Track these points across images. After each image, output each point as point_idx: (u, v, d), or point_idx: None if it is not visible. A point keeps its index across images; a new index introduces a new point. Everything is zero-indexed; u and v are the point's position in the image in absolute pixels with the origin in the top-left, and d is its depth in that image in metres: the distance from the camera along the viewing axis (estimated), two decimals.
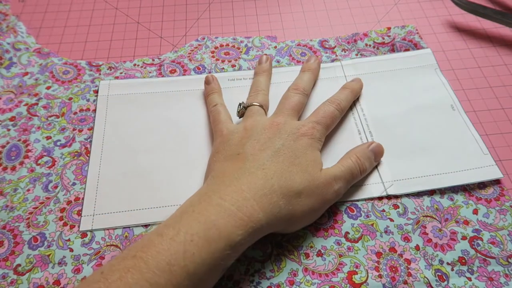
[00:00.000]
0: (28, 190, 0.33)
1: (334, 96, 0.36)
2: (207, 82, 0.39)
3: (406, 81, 0.39)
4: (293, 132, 0.31)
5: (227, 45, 0.43)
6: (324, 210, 0.31)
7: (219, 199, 0.26)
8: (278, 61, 0.42)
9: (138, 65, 0.42)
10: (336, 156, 0.34)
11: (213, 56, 0.42)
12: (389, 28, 0.44)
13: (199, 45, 0.43)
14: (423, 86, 0.39)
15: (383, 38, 0.43)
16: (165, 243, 0.23)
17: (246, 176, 0.28)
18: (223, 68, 0.41)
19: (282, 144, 0.30)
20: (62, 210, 0.32)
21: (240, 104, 0.35)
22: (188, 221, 0.25)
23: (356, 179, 0.32)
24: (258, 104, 0.35)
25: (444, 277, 0.29)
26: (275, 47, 0.43)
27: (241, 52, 0.43)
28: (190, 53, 0.43)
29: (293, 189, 0.28)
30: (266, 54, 0.41)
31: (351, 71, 0.41)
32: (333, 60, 0.41)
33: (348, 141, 0.36)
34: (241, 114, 0.35)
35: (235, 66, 0.41)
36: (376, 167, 0.34)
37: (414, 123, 0.36)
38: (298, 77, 0.38)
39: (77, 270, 0.29)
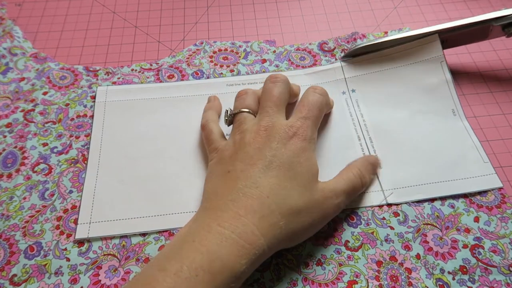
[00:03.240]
0: (24, 198, 0.33)
1: (314, 85, 0.34)
2: (208, 100, 0.38)
3: (408, 82, 0.38)
4: (282, 136, 0.29)
5: (226, 49, 0.43)
6: (324, 224, 0.30)
7: (218, 226, 0.25)
8: (277, 66, 0.41)
9: (135, 70, 0.41)
10: (336, 164, 0.34)
11: (211, 61, 0.42)
12: (386, 33, 0.44)
13: (197, 49, 0.43)
14: (426, 86, 0.38)
15: None
16: (169, 280, 0.22)
17: (241, 197, 0.26)
18: (221, 73, 0.41)
19: (273, 155, 0.28)
20: (59, 218, 0.32)
21: (226, 111, 0.33)
22: (190, 252, 0.24)
23: (357, 192, 0.32)
24: (245, 110, 0.32)
25: (445, 287, 0.29)
26: (274, 51, 0.43)
27: (239, 57, 0.42)
28: (188, 58, 0.42)
29: (292, 207, 0.27)
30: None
31: (351, 71, 0.40)
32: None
33: (348, 148, 0.35)
34: (229, 122, 0.33)
35: (233, 71, 0.41)
36: (376, 174, 0.34)
37: (415, 129, 0.36)
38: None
39: (74, 281, 0.29)
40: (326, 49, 0.43)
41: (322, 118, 0.35)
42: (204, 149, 0.35)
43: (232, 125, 0.33)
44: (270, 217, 0.26)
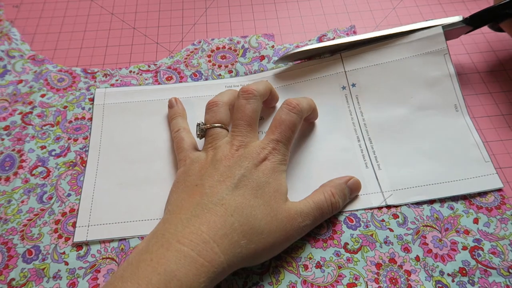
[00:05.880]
0: (23, 201, 0.33)
1: (292, 99, 0.32)
2: (170, 105, 0.37)
3: (410, 75, 0.37)
4: (253, 157, 0.29)
5: (224, 47, 0.43)
6: (287, 245, 0.29)
7: (177, 243, 0.24)
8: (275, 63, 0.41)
9: (134, 72, 0.41)
10: (334, 166, 0.34)
11: (209, 61, 0.42)
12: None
13: (195, 49, 0.43)
14: (428, 80, 0.37)
15: None
16: None
17: (205, 213, 0.26)
18: (219, 75, 0.41)
19: (242, 174, 0.28)
20: (57, 222, 0.32)
21: (198, 125, 0.33)
22: (147, 272, 0.23)
23: (325, 217, 0.31)
24: (217, 124, 0.32)
25: None
26: (273, 46, 0.42)
27: (237, 54, 0.42)
28: (186, 58, 0.42)
29: (254, 226, 0.27)
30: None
31: (352, 64, 0.38)
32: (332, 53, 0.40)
33: (347, 149, 0.35)
34: (201, 136, 0.32)
35: (232, 72, 0.41)
36: (375, 175, 0.34)
37: (415, 128, 0.35)
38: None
39: (72, 284, 0.29)
40: (325, 40, 0.42)
41: (317, 118, 0.36)
42: None
43: (204, 138, 0.33)
44: (232, 235, 0.26)
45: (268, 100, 0.36)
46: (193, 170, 0.30)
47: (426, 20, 0.38)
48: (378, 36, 0.38)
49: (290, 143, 0.31)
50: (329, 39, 0.42)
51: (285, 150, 0.31)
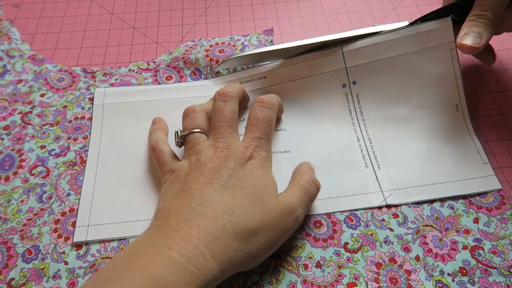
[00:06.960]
0: (22, 201, 0.33)
1: (260, 96, 0.32)
2: (153, 123, 0.37)
3: (413, 72, 0.36)
4: (238, 157, 0.28)
5: (223, 43, 0.43)
6: (283, 241, 0.28)
7: (166, 249, 0.23)
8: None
9: (133, 71, 0.41)
10: (335, 165, 0.34)
11: (207, 56, 0.41)
12: None
13: (195, 45, 0.43)
14: (431, 77, 0.36)
15: None
16: None
17: (194, 216, 0.25)
18: (218, 72, 0.40)
19: (229, 175, 0.27)
20: (57, 221, 0.32)
21: (176, 133, 0.32)
22: (133, 276, 0.22)
23: (313, 198, 0.31)
24: (197, 130, 0.31)
25: None
26: (271, 41, 0.42)
27: (236, 49, 0.42)
28: (184, 54, 0.42)
29: (247, 226, 0.26)
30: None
31: (353, 60, 0.37)
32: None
33: (347, 149, 0.35)
34: (180, 144, 0.32)
35: (229, 68, 0.40)
36: (375, 175, 0.34)
37: (416, 127, 0.35)
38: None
39: (72, 284, 0.29)
40: None
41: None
42: None
43: (184, 147, 0.32)
44: (224, 238, 0.25)
45: (240, 102, 0.35)
46: (178, 178, 0.29)
47: (373, 26, 0.37)
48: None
49: (271, 139, 0.31)
50: None
51: (268, 146, 0.31)
